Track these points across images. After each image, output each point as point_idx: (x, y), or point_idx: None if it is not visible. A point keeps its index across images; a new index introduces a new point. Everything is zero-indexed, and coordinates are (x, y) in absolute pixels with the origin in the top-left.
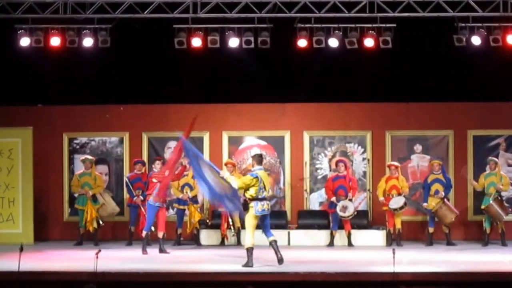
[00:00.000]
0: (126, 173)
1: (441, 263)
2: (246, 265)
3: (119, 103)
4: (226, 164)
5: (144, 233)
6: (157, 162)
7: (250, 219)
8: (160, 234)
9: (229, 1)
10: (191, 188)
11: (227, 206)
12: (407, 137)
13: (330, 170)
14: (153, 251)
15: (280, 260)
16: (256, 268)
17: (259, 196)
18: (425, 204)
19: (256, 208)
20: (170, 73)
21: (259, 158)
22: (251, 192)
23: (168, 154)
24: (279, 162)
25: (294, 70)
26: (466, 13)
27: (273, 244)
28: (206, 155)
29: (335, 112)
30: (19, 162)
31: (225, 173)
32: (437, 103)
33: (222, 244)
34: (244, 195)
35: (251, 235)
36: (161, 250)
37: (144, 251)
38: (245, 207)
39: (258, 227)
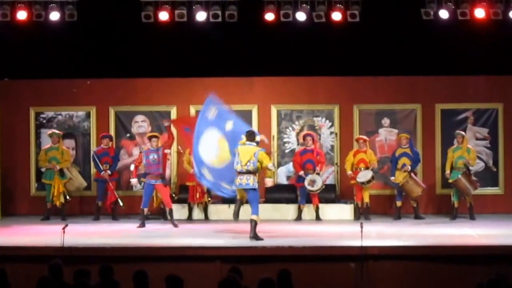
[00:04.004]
0: (93, 147)
1: (409, 237)
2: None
3: (86, 77)
4: None
5: (145, 209)
6: (154, 139)
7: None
8: (168, 210)
9: None
10: None
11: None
12: (375, 110)
13: (298, 144)
14: (119, 225)
15: (251, 238)
16: (224, 242)
17: (237, 170)
18: (392, 178)
19: (235, 181)
20: (137, 47)
21: (249, 135)
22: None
23: (135, 128)
24: None
25: (261, 44)
26: None
27: (251, 222)
28: (173, 130)
29: (302, 85)
30: None
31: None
32: (404, 76)
33: (189, 218)
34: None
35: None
36: (174, 224)
37: (142, 225)
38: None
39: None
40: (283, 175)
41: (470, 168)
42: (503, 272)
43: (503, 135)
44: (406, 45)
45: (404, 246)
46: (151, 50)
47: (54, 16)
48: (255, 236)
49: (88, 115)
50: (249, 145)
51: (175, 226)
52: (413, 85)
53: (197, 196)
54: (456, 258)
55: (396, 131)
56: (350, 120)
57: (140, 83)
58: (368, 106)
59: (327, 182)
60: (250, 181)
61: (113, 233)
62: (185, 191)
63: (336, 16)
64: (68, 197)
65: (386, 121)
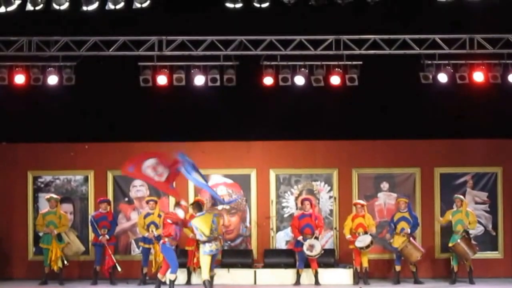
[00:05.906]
0: (91, 211)
1: None
2: None
3: (84, 141)
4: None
5: (173, 276)
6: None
7: (201, 258)
8: (172, 277)
9: (194, 38)
10: (157, 227)
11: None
12: (374, 174)
13: (297, 208)
14: None
15: None
16: None
17: (201, 239)
18: (388, 235)
19: (203, 248)
20: (135, 111)
21: (197, 206)
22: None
23: (133, 192)
24: (245, 200)
25: (260, 108)
26: (433, 50)
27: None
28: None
29: (301, 150)
30: None
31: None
32: (403, 140)
33: (188, 283)
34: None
35: (205, 271)
36: None
37: None
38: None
39: None
40: (282, 239)
41: (470, 232)
42: None
43: (502, 199)
44: (405, 109)
45: None
46: (149, 114)
47: (52, 80)
48: None
49: (86, 179)
50: (200, 215)
51: None
52: (412, 149)
53: (195, 260)
54: None
55: (395, 195)
56: (349, 184)
57: (138, 147)
58: (367, 170)
59: (326, 246)
60: (213, 247)
61: None
62: (184, 256)
63: (335, 80)
64: (66, 262)
65: (385, 185)
